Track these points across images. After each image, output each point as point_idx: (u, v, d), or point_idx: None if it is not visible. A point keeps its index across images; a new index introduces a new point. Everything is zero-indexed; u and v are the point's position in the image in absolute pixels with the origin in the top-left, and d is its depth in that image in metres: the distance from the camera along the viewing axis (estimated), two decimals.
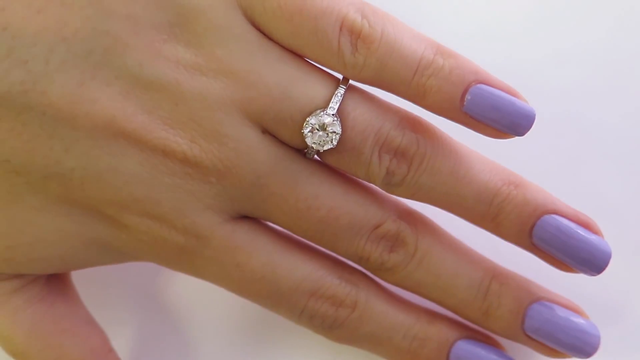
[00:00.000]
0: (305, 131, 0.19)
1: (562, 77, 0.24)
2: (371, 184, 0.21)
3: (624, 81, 0.23)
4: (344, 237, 0.20)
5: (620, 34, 0.24)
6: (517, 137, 0.19)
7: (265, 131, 0.20)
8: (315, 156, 0.20)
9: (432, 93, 0.19)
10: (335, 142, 0.19)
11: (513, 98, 0.18)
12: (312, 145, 0.19)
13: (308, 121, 0.19)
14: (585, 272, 0.20)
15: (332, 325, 0.21)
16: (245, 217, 0.21)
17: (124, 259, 0.22)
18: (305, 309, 0.21)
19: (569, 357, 0.21)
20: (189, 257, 0.21)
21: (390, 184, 0.20)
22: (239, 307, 0.24)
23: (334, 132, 0.19)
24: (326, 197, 0.20)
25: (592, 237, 0.19)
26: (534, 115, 0.18)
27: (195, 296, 0.25)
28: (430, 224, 0.21)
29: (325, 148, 0.19)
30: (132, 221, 0.20)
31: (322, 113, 0.19)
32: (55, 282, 0.23)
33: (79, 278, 0.24)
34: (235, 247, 0.20)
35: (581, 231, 0.19)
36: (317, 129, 0.19)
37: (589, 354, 0.20)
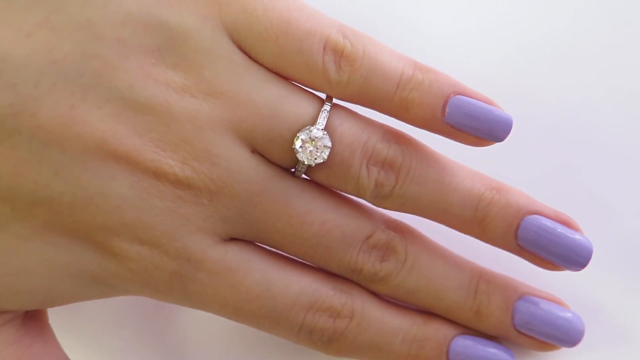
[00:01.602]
0: (297, 147, 0.19)
1: (558, 79, 0.25)
2: (357, 198, 0.21)
3: (622, 82, 0.24)
4: (337, 250, 0.21)
5: (617, 34, 0.25)
6: (497, 144, 0.20)
7: (255, 151, 0.20)
8: (303, 175, 0.21)
9: (414, 106, 0.20)
10: (326, 156, 0.20)
11: (491, 106, 0.19)
12: (304, 160, 0.20)
13: (298, 137, 0.19)
14: (569, 268, 0.21)
15: (331, 338, 0.21)
16: (236, 239, 0.21)
17: (112, 293, 0.21)
18: (303, 324, 0.21)
19: (558, 348, 0.21)
20: (182, 283, 0.20)
21: (380, 196, 0.20)
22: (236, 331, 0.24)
23: (325, 146, 0.19)
24: (318, 212, 0.20)
25: (574, 234, 0.20)
26: (512, 121, 0.19)
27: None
28: (416, 233, 0.22)
29: (317, 162, 0.20)
30: (122, 248, 0.20)
31: (312, 128, 0.19)
32: (32, 323, 0.22)
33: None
34: (228, 268, 0.20)
35: (563, 229, 0.20)
36: (308, 144, 0.19)
37: (575, 342, 0.21)
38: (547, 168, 0.24)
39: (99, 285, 0.20)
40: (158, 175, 0.19)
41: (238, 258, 0.20)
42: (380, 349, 0.21)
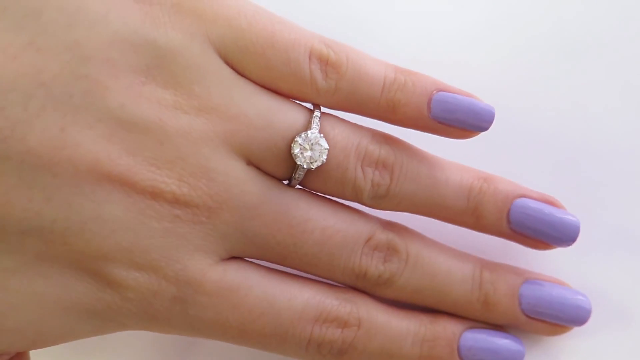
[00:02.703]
0: (295, 152, 0.19)
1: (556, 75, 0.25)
2: (352, 204, 0.22)
3: (628, 78, 0.25)
4: (340, 256, 0.21)
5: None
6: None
7: (250, 163, 0.20)
8: (297, 185, 0.21)
9: (401, 106, 0.20)
10: (324, 159, 0.20)
11: (472, 99, 0.20)
12: (303, 164, 0.20)
13: (296, 141, 0.19)
14: (560, 245, 0.21)
15: (341, 349, 0.21)
16: (233, 258, 0.20)
17: (108, 328, 0.20)
18: (311, 338, 0.20)
19: (569, 329, 0.22)
20: (182, 308, 0.20)
21: (377, 197, 0.21)
22: None
23: (323, 148, 0.20)
24: (317, 219, 0.20)
25: (561, 212, 0.21)
26: (494, 110, 0.20)
27: None
28: (413, 231, 0.22)
29: (316, 165, 0.20)
30: (119, 275, 0.19)
31: (308, 132, 0.20)
32: None
33: None
34: (229, 288, 0.20)
35: (550, 209, 0.21)
36: (306, 149, 0.20)
37: (584, 321, 0.22)
38: (547, 163, 0.24)
39: (93, 320, 0.19)
40: (155, 195, 0.19)
41: (238, 276, 0.20)
42: (392, 354, 0.21)
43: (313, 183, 0.21)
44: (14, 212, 0.17)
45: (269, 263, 0.21)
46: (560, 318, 0.22)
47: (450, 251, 0.22)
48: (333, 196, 0.21)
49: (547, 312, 0.22)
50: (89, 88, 0.18)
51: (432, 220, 0.22)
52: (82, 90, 0.18)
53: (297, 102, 0.21)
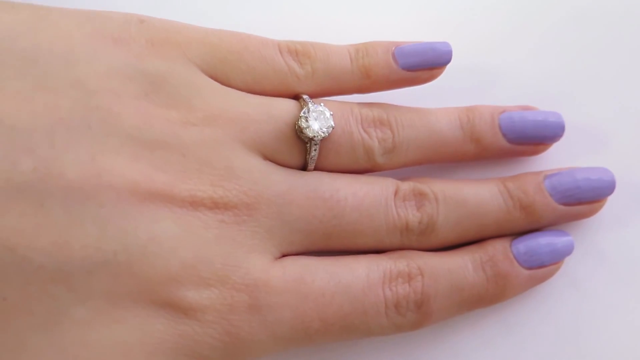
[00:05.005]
0: (303, 125, 0.20)
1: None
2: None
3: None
4: (379, 214, 0.21)
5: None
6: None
7: (266, 158, 0.21)
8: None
9: (372, 68, 0.22)
10: (332, 123, 0.21)
11: (428, 42, 0.23)
12: (315, 135, 0.20)
13: (301, 117, 0.20)
14: (554, 138, 0.23)
15: (416, 301, 0.21)
16: (284, 256, 0.20)
17: None
18: (387, 301, 0.20)
19: (603, 203, 0.23)
20: (260, 316, 0.19)
21: (387, 152, 0.22)
22: None
23: (327, 113, 0.21)
24: (345, 187, 0.21)
25: (540, 112, 0.23)
26: (449, 44, 0.23)
27: None
28: (426, 177, 0.23)
29: (327, 132, 0.20)
30: (191, 298, 0.18)
31: (308, 105, 0.21)
32: None
33: None
34: (294, 279, 0.20)
35: (530, 112, 0.23)
36: (313, 119, 0.21)
37: (614, 186, 0.23)
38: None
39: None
40: (195, 204, 0.19)
41: (297, 267, 0.20)
42: (461, 287, 0.21)
43: (326, 160, 0.21)
44: (75, 253, 0.16)
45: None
46: (593, 193, 0.23)
47: (468, 180, 0.23)
48: (347, 168, 0.22)
49: (578, 192, 0.22)
50: (103, 117, 0.18)
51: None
52: (97, 120, 0.18)
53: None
